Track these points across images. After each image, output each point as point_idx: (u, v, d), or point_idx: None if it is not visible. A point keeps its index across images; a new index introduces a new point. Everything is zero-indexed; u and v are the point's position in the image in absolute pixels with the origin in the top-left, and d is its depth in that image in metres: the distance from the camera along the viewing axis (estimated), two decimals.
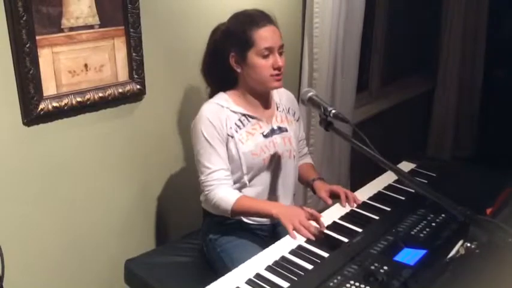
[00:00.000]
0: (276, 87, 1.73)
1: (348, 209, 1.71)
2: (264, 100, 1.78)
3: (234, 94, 1.74)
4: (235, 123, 1.70)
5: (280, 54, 1.68)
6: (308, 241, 1.50)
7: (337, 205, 1.74)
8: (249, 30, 1.64)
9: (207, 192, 1.68)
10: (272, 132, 1.76)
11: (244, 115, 1.72)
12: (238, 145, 1.68)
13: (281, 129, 1.79)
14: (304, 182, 1.94)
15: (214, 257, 1.76)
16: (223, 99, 1.72)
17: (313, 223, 1.54)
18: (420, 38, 4.18)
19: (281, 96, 1.86)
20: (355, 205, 1.73)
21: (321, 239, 1.50)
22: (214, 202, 1.66)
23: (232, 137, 1.68)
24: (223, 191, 1.65)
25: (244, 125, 1.71)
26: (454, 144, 4.21)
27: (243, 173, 1.70)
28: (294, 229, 1.51)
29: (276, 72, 1.67)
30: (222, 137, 1.67)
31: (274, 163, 1.75)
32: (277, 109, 1.82)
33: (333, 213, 1.67)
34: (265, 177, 1.76)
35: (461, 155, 4.23)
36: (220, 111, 1.68)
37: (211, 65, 1.76)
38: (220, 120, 1.67)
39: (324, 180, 1.86)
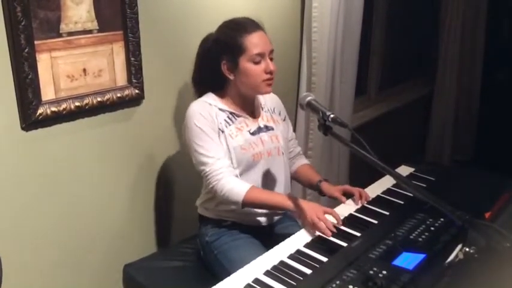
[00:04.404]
0: (267, 92, 1.76)
1: (346, 212, 1.70)
2: (250, 103, 1.82)
3: (222, 96, 1.77)
4: (225, 120, 1.73)
5: (271, 59, 1.72)
6: (307, 245, 1.50)
7: (337, 208, 1.74)
8: (239, 37, 1.67)
9: (214, 183, 1.66)
10: (259, 130, 1.79)
11: (231, 113, 1.75)
12: (228, 139, 1.70)
13: (268, 128, 1.82)
14: (307, 184, 1.96)
15: (211, 260, 1.76)
16: (211, 98, 1.76)
17: (330, 218, 1.59)
18: (418, 42, 4.19)
19: (265, 97, 1.89)
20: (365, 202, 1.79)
21: (320, 243, 1.50)
22: (223, 193, 1.66)
23: (222, 131, 1.70)
24: (231, 182, 1.66)
25: (233, 122, 1.75)
26: (453, 148, 4.21)
27: (233, 167, 1.71)
28: (314, 223, 1.55)
29: (268, 76, 1.70)
30: (214, 129, 1.69)
31: (263, 160, 1.77)
32: (263, 109, 1.86)
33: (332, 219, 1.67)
34: (254, 175, 1.76)
35: (460, 159, 4.24)
36: (210, 108, 1.72)
37: (202, 73, 1.80)
38: (210, 115, 1.70)
39: (329, 182, 1.88)
